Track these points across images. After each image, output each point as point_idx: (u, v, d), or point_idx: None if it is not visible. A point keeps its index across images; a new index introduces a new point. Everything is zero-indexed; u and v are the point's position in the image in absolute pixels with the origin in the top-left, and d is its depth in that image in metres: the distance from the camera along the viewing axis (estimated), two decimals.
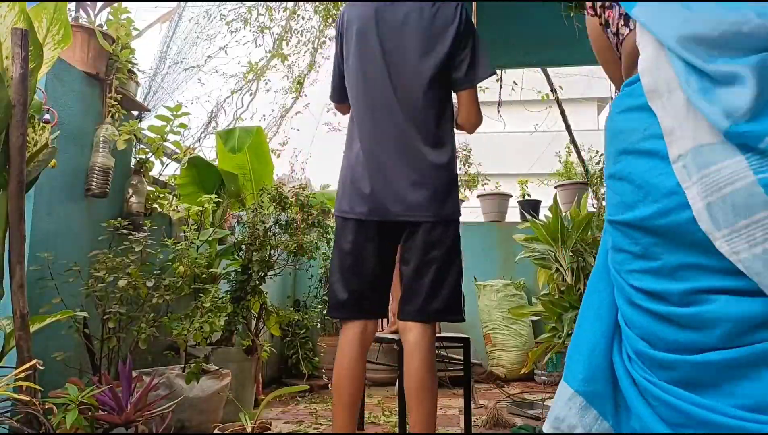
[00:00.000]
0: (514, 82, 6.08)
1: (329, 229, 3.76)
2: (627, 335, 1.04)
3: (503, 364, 4.82)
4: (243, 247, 3.39)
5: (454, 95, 2.17)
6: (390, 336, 3.04)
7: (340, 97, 2.34)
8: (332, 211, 3.70)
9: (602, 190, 4.85)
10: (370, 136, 2.06)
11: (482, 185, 6.36)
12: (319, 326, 4.66)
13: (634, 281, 1.00)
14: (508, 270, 5.16)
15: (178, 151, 3.49)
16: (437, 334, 2.94)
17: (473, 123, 2.21)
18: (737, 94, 0.85)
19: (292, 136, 6.23)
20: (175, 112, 3.03)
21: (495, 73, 2.18)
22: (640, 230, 0.98)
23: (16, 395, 1.67)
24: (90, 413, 1.96)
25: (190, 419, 2.57)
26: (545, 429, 1.12)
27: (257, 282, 3.30)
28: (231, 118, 5.52)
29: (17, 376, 1.66)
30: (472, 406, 3.67)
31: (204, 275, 2.98)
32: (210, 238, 3.19)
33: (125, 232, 2.66)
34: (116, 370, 2.37)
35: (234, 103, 5.53)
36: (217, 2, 5.17)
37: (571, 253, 3.33)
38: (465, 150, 6.28)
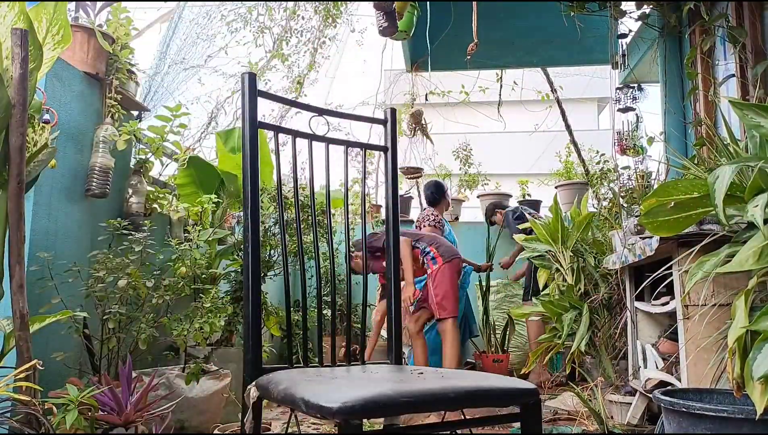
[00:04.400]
0: (515, 82, 6.08)
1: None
2: None
3: None
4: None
5: None
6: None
7: None
8: (332, 210, 3.70)
9: (603, 190, 4.85)
10: None
11: (482, 185, 6.36)
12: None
13: None
14: (508, 270, 5.15)
15: (177, 151, 3.48)
16: None
17: None
18: None
19: None
20: (174, 112, 3.03)
21: None
22: None
23: (16, 395, 1.67)
24: (90, 413, 1.95)
25: (190, 419, 2.57)
26: None
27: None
28: (231, 118, 5.52)
29: (17, 376, 1.66)
30: None
31: (204, 275, 2.97)
32: (210, 238, 3.19)
33: (125, 232, 2.65)
34: (116, 370, 2.36)
35: (234, 103, 5.52)
36: (217, 2, 5.17)
37: (571, 253, 3.32)
38: (465, 150, 6.27)
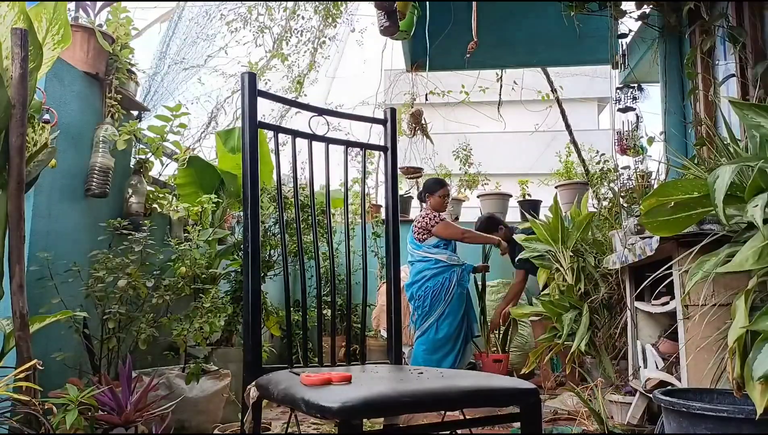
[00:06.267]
0: (515, 82, 6.08)
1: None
2: None
3: None
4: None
5: None
6: None
7: None
8: (332, 210, 3.69)
9: (603, 190, 4.85)
10: None
11: (482, 185, 6.35)
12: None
13: None
14: (508, 270, 5.15)
15: (177, 151, 3.48)
16: None
17: None
18: None
19: None
20: (174, 112, 3.03)
21: None
22: None
23: (16, 395, 1.67)
24: (90, 413, 1.95)
25: (190, 419, 2.57)
26: None
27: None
28: (231, 118, 5.52)
29: (17, 376, 1.66)
30: None
31: (204, 275, 2.97)
32: (210, 238, 3.19)
33: (125, 232, 2.65)
34: (116, 370, 2.36)
35: (234, 103, 5.52)
36: (217, 2, 5.16)
37: (571, 253, 3.32)
38: (465, 150, 6.27)
